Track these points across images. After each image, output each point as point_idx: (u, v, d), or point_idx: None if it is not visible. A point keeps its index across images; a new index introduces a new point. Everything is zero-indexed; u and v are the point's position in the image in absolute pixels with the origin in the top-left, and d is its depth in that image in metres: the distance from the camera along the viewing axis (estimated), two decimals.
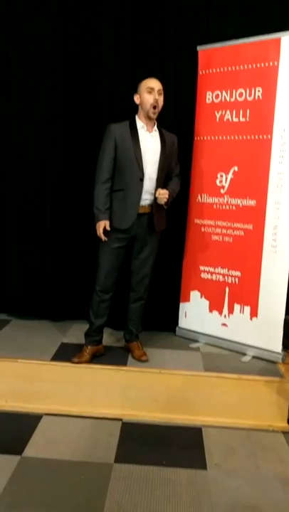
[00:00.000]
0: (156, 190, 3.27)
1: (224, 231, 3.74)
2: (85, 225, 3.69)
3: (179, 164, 3.52)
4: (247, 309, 3.66)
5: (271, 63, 3.44)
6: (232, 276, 3.73)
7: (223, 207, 3.73)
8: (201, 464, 2.38)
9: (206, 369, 3.43)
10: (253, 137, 3.57)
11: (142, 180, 3.21)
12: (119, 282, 3.50)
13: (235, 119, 3.64)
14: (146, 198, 3.28)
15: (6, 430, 2.57)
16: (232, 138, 3.66)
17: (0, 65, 4.00)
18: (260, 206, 3.56)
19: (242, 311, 3.69)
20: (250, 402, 2.98)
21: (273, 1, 3.73)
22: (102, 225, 3.21)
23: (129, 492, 2.15)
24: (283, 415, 2.80)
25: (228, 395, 3.04)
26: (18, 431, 2.56)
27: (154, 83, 3.22)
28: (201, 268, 3.88)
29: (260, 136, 3.53)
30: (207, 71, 3.74)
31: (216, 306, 3.83)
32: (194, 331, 3.95)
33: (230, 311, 3.74)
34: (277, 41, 3.41)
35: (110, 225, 3.23)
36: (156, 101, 3.19)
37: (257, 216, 3.58)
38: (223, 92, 3.68)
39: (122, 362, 3.48)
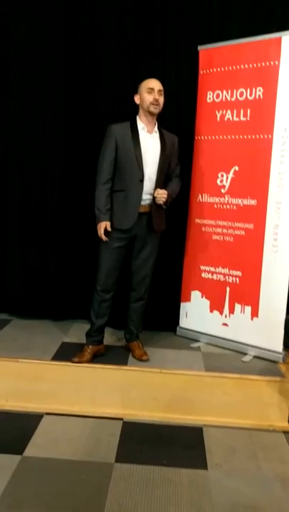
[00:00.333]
0: (155, 190, 3.28)
1: (225, 231, 3.74)
2: (85, 225, 3.69)
3: (179, 165, 3.52)
4: (248, 309, 3.65)
5: (272, 63, 3.44)
6: (233, 276, 3.73)
7: (224, 206, 3.73)
8: (202, 464, 2.37)
9: (206, 369, 3.43)
10: (253, 137, 3.56)
11: (141, 181, 3.22)
12: (121, 282, 3.50)
13: (236, 119, 3.64)
14: (146, 198, 3.29)
15: (6, 430, 2.57)
16: (233, 137, 3.66)
17: (1, 65, 3.99)
18: (261, 206, 3.55)
19: (243, 310, 3.69)
20: (251, 402, 2.98)
21: (274, 0, 3.73)
22: (103, 225, 3.22)
23: (129, 492, 2.15)
24: (284, 415, 2.80)
25: (229, 395, 3.04)
26: (19, 430, 2.56)
27: (154, 83, 3.22)
28: (202, 268, 3.88)
29: (261, 136, 3.53)
30: (208, 70, 3.74)
31: (216, 305, 3.82)
32: (195, 331, 3.95)
33: (231, 310, 3.74)
34: (278, 41, 3.40)
35: (111, 225, 3.24)
36: (156, 100, 3.20)
37: (258, 216, 3.58)
38: (224, 92, 3.68)
39: (123, 361, 3.48)
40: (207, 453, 2.46)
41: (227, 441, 2.57)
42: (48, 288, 4.19)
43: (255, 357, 3.65)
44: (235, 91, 3.62)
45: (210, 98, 3.75)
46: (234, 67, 3.62)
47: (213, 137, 3.75)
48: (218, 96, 3.71)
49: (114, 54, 3.87)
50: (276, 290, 3.53)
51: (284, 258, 3.49)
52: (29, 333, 3.92)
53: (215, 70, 3.71)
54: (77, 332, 3.92)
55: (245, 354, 3.68)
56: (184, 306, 4.00)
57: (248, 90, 3.56)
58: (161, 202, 3.28)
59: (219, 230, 3.76)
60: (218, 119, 3.73)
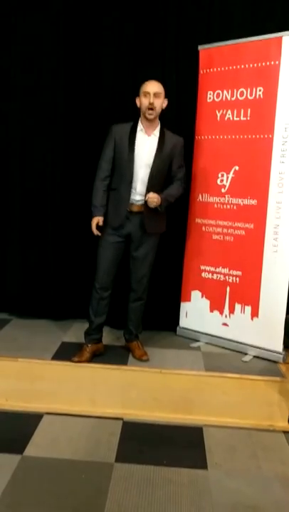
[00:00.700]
0: (149, 191, 3.25)
1: (225, 230, 3.73)
2: (85, 225, 3.67)
3: (183, 168, 3.44)
4: (248, 309, 3.65)
5: (272, 62, 3.44)
6: (233, 275, 3.72)
7: (224, 206, 3.73)
8: (202, 464, 2.37)
9: (206, 369, 3.43)
10: (254, 136, 3.56)
11: (131, 181, 3.27)
12: (120, 282, 3.50)
13: (236, 119, 3.64)
14: (139, 199, 3.31)
15: (6, 429, 2.57)
16: (233, 137, 3.66)
17: (3, 64, 3.98)
18: (261, 206, 3.55)
19: (243, 310, 3.68)
20: (251, 401, 2.98)
21: (274, 0, 3.72)
22: (95, 220, 3.32)
23: (129, 492, 2.14)
24: (284, 415, 2.80)
25: (229, 395, 3.04)
26: (19, 430, 2.56)
27: (149, 87, 3.20)
28: (202, 268, 3.88)
29: (262, 136, 3.52)
30: (208, 70, 3.74)
31: (216, 305, 3.82)
32: (195, 331, 3.94)
33: (231, 310, 3.74)
34: (279, 40, 3.40)
35: (105, 222, 3.33)
36: (152, 104, 3.18)
37: (258, 216, 3.57)
38: (224, 91, 3.67)
39: (123, 361, 3.47)
40: (207, 453, 2.46)
41: (227, 441, 2.57)
42: (48, 287, 4.19)
43: (255, 357, 3.64)
44: (235, 91, 3.62)
45: (210, 98, 3.75)
46: (234, 67, 3.61)
47: (214, 137, 3.75)
48: (218, 96, 3.71)
49: (114, 54, 3.87)
50: (276, 290, 3.53)
51: (284, 258, 3.49)
52: (29, 333, 3.92)
53: (215, 69, 3.70)
54: (77, 332, 3.92)
55: (246, 354, 3.67)
56: (184, 306, 4.00)
57: (249, 90, 3.56)
58: (152, 206, 3.24)
59: (219, 229, 3.76)
60: (218, 118, 3.72)
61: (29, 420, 2.66)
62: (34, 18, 3.88)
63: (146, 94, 3.20)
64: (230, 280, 3.74)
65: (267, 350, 3.61)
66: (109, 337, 3.88)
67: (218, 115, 3.72)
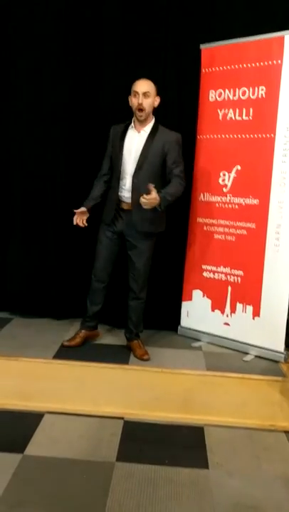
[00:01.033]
0: (136, 188, 3.28)
1: (227, 230, 3.73)
2: (88, 224, 3.68)
3: (180, 164, 3.38)
4: (249, 308, 3.65)
5: (275, 62, 3.43)
6: (234, 275, 3.72)
7: (226, 206, 3.72)
8: (203, 464, 2.37)
9: (208, 368, 3.42)
10: (256, 136, 3.55)
11: (119, 178, 3.36)
12: (121, 280, 3.50)
13: (238, 118, 3.63)
14: (129, 196, 3.36)
15: (7, 428, 2.57)
16: (235, 136, 3.65)
17: (4, 64, 3.98)
18: (263, 205, 3.55)
19: (244, 310, 3.68)
20: (252, 401, 2.97)
21: None
22: (79, 209, 3.43)
23: (130, 491, 2.14)
24: (286, 415, 2.80)
25: (230, 395, 3.04)
26: (20, 429, 2.56)
27: (139, 87, 3.24)
28: (204, 267, 3.87)
29: (264, 135, 3.52)
30: (210, 69, 3.73)
31: (218, 305, 3.82)
32: (196, 330, 3.94)
33: (233, 310, 3.73)
34: (281, 39, 3.39)
35: (101, 218, 3.48)
36: (141, 104, 3.22)
37: (260, 215, 3.57)
38: (226, 91, 3.67)
39: (124, 361, 3.47)
40: (208, 453, 2.46)
41: (228, 441, 2.57)
42: (50, 287, 4.19)
43: (256, 356, 3.64)
44: (237, 90, 3.61)
45: (212, 97, 3.74)
46: (237, 66, 3.60)
47: (216, 136, 3.74)
48: (220, 95, 3.70)
49: (115, 52, 3.85)
50: (278, 289, 3.52)
51: (286, 257, 3.48)
52: (30, 332, 3.92)
53: (217, 68, 3.70)
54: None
55: (247, 354, 3.67)
56: (185, 305, 4.00)
57: (251, 89, 3.55)
58: (146, 207, 3.16)
59: (221, 229, 3.75)
60: (220, 118, 3.72)
61: (30, 419, 2.66)
62: (37, 16, 3.87)
63: (136, 93, 3.24)
64: (231, 280, 3.73)
65: (268, 349, 3.60)
66: (110, 336, 3.89)
67: (220, 114, 3.71)
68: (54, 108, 3.95)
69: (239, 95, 3.61)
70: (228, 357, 3.64)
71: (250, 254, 3.62)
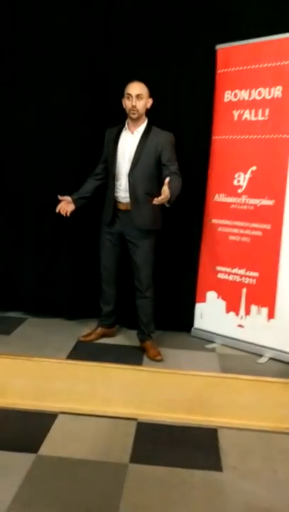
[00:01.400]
0: (132, 187, 3.37)
1: (242, 231, 3.70)
2: (99, 225, 3.69)
3: (175, 162, 3.42)
4: (264, 310, 3.62)
5: None
6: (249, 276, 3.69)
7: (241, 207, 3.70)
8: (217, 466, 2.36)
9: (222, 370, 3.41)
10: (271, 136, 3.53)
11: (114, 178, 3.45)
12: (131, 282, 3.53)
13: (253, 118, 3.61)
14: (124, 196, 3.44)
15: (21, 428, 2.58)
16: (250, 137, 3.63)
17: (19, 66, 4.01)
18: (279, 206, 3.52)
19: (259, 312, 3.65)
20: (266, 404, 2.94)
21: None
22: (64, 197, 3.57)
23: (144, 493, 2.14)
24: None
25: (244, 397, 3.01)
26: (34, 429, 2.57)
27: (132, 89, 3.33)
28: (218, 268, 3.85)
29: (279, 136, 3.49)
30: (225, 70, 3.71)
31: (232, 306, 3.80)
32: (210, 332, 3.92)
33: (247, 312, 3.71)
34: None
35: (101, 219, 3.59)
36: (134, 107, 3.32)
37: (275, 216, 3.54)
38: (242, 91, 3.65)
39: (138, 361, 3.47)
40: (222, 455, 2.45)
41: (242, 443, 2.55)
42: (63, 287, 4.20)
43: (271, 359, 3.61)
44: (253, 90, 3.59)
45: (227, 98, 3.72)
46: (252, 66, 3.58)
47: (231, 137, 3.72)
48: (235, 95, 3.68)
49: (128, 53, 3.84)
50: None
51: None
52: (44, 332, 3.93)
53: (233, 69, 3.68)
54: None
55: (261, 356, 3.64)
56: (199, 307, 3.98)
57: (267, 89, 3.53)
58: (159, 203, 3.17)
59: (236, 230, 3.73)
60: (235, 118, 3.70)
61: (44, 419, 2.67)
62: (50, 15, 3.89)
63: (129, 96, 3.34)
64: (246, 281, 3.71)
65: (283, 352, 3.57)
66: (123, 337, 3.89)
67: (236, 115, 3.69)
68: (65, 108, 3.96)
69: (255, 96, 3.59)
70: (243, 359, 3.62)
71: (266, 256, 3.59)
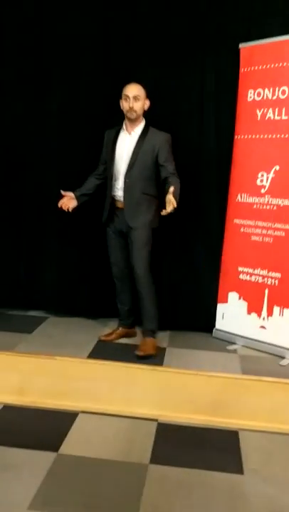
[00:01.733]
0: (128, 187, 3.45)
1: (264, 231, 3.66)
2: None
3: (172, 162, 3.47)
4: (287, 312, 3.57)
5: None
6: (272, 277, 3.65)
7: (264, 207, 3.66)
8: (238, 469, 2.33)
9: (243, 372, 3.38)
10: None
11: (112, 178, 3.54)
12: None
13: (277, 118, 3.57)
14: (121, 195, 3.53)
15: (42, 427, 2.60)
16: (274, 136, 3.59)
17: (41, 65, 4.03)
18: None
19: (281, 313, 3.61)
20: (288, 406, 2.91)
21: None
22: (66, 192, 3.64)
23: (164, 494, 2.12)
24: None
25: (265, 399, 2.97)
26: (55, 428, 2.58)
27: (129, 90, 3.42)
28: (240, 269, 3.82)
29: None
30: (249, 69, 3.68)
31: (254, 307, 3.76)
32: (232, 333, 3.88)
33: (270, 313, 3.67)
34: None
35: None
36: (131, 108, 3.40)
37: None
38: (266, 90, 3.61)
39: (158, 362, 3.45)
40: (243, 457, 2.42)
41: (264, 446, 2.52)
42: (84, 286, 4.21)
43: None
44: (277, 89, 3.55)
45: (250, 97, 3.69)
46: (276, 65, 3.54)
47: (254, 136, 3.68)
48: (259, 94, 3.64)
49: (152, 52, 3.84)
50: None
51: None
52: (65, 331, 3.95)
53: (256, 68, 3.64)
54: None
55: (283, 358, 3.60)
56: (221, 307, 3.95)
57: None
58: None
59: (258, 230, 3.69)
60: (258, 118, 3.66)
61: (64, 418, 2.68)
62: (74, 18, 3.91)
63: (126, 97, 3.42)
64: (269, 282, 3.67)
65: None
66: (141, 337, 3.87)
67: (259, 114, 3.66)
68: (89, 109, 3.97)
69: (278, 94, 3.55)
70: (264, 361, 3.58)
71: (288, 257, 3.54)
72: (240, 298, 3.83)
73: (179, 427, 2.66)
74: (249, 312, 3.78)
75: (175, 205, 3.18)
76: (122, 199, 3.53)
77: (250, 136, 3.71)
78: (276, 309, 3.63)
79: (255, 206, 3.71)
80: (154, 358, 3.47)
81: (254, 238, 3.72)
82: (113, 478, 2.21)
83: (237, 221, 3.81)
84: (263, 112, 3.63)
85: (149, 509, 2.02)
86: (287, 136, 3.52)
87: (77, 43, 3.94)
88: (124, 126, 3.55)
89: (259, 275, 3.71)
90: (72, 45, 3.96)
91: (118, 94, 3.88)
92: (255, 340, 3.75)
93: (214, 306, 3.98)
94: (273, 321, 3.66)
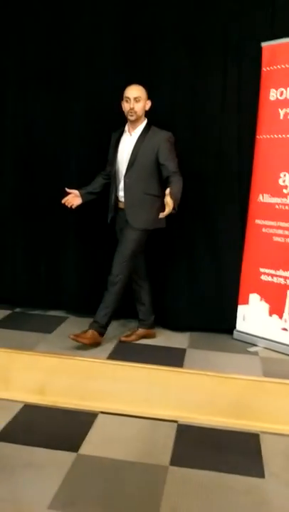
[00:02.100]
0: (128, 187, 3.47)
1: (286, 232, 3.61)
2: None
3: (173, 160, 3.44)
4: None
5: None
6: None
7: (286, 207, 3.61)
8: (259, 472, 2.31)
9: (265, 374, 3.33)
10: None
11: (115, 178, 3.59)
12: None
13: None
14: (122, 195, 3.55)
15: (62, 427, 2.60)
16: None
17: (64, 66, 4.05)
18: None
19: None
20: None
21: None
22: (71, 190, 3.69)
23: (184, 496, 2.11)
24: None
25: (287, 402, 2.93)
26: (75, 428, 2.59)
27: (130, 92, 3.44)
28: (261, 270, 3.77)
29: None
30: (271, 67, 3.64)
31: (276, 309, 3.71)
32: (253, 335, 3.84)
33: None
34: None
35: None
36: (132, 109, 3.43)
37: None
38: (288, 89, 3.56)
39: (178, 363, 3.43)
40: (264, 461, 2.39)
41: (285, 450, 2.49)
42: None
43: None
44: None
45: (273, 96, 3.64)
46: None
47: (276, 136, 3.64)
48: (281, 94, 3.60)
49: (174, 52, 3.82)
50: None
51: None
52: None
53: (279, 66, 3.60)
54: None
55: None
56: (242, 309, 3.91)
57: None
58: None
59: (280, 231, 3.64)
60: (281, 117, 3.61)
61: (84, 418, 2.68)
62: (95, 20, 3.92)
63: (127, 99, 3.45)
64: None
65: None
66: (164, 338, 3.87)
67: (281, 114, 3.61)
68: (112, 110, 3.96)
69: None
70: (286, 363, 3.54)
71: None
72: (261, 299, 3.79)
73: (199, 428, 2.64)
74: (270, 314, 3.74)
75: (171, 208, 3.20)
76: (122, 199, 3.56)
77: (272, 136, 3.66)
78: None
79: (277, 206, 3.66)
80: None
81: (276, 239, 3.68)
82: (133, 479, 2.21)
83: (258, 221, 3.77)
84: (286, 111, 3.58)
85: (169, 511, 2.01)
86: None
87: (99, 44, 3.94)
88: (126, 127, 3.58)
89: (281, 276, 3.66)
90: (94, 46, 3.96)
91: None
92: (277, 342, 3.71)
93: (235, 308, 3.94)
94: None
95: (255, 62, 3.69)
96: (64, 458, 2.33)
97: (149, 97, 3.61)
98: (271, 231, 3.70)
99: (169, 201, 3.20)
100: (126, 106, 3.47)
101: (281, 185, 3.62)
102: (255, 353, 3.69)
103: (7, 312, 4.33)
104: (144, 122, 3.56)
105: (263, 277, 3.77)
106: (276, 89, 3.62)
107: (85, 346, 3.57)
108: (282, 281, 3.66)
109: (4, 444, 2.43)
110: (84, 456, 2.36)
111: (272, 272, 3.71)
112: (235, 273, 3.90)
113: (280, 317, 3.68)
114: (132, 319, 4.04)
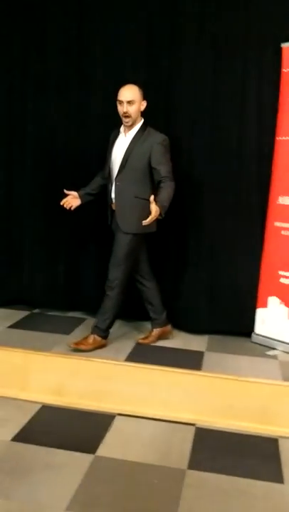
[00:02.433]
0: (118, 190, 3.43)
1: None
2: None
3: (166, 164, 3.38)
4: None
5: None
6: None
7: None
8: (278, 478, 2.28)
9: (283, 378, 3.30)
10: None
11: (110, 180, 3.52)
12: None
13: None
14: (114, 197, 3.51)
15: (80, 428, 2.61)
16: None
17: (82, 66, 4.07)
18: None
19: None
20: None
21: None
22: (70, 191, 3.61)
23: (202, 500, 2.09)
24: None
25: None
26: (92, 430, 2.59)
27: (122, 95, 3.35)
28: (281, 273, 3.74)
29: None
30: None
31: None
32: (272, 338, 3.80)
33: None
34: None
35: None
36: (126, 112, 3.34)
37: None
38: None
39: (196, 366, 3.42)
40: (283, 466, 2.37)
41: None
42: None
43: None
44: None
45: None
46: None
47: None
48: None
49: (194, 51, 3.81)
50: None
51: None
52: None
53: None
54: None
55: None
56: (261, 312, 3.88)
57: None
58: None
59: None
60: None
61: (102, 420, 2.68)
62: (116, 20, 3.93)
63: (121, 102, 3.37)
64: None
65: None
66: (181, 340, 3.85)
67: None
68: None
69: None
70: None
71: None
72: (280, 303, 3.75)
73: (217, 432, 2.63)
74: None
75: (154, 216, 3.17)
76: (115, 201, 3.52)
77: None
78: None
79: None
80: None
81: None
82: (150, 482, 2.20)
83: (278, 224, 3.74)
84: None
85: None
86: None
87: (119, 44, 3.94)
88: (122, 127, 3.50)
89: None
90: (113, 47, 3.96)
91: (160, 96, 3.90)
92: None
93: (253, 311, 3.90)
94: None
95: (276, 63, 3.66)
96: (82, 459, 2.33)
97: (169, 98, 3.61)
98: None
99: (153, 208, 3.17)
100: (120, 109, 3.38)
101: None
102: (274, 357, 3.65)
103: (25, 313, 4.35)
104: (140, 123, 3.47)
105: (282, 280, 3.73)
106: None
107: (103, 348, 3.58)
108: None
109: (23, 445, 2.44)
110: (101, 458, 2.35)
111: None
112: (254, 276, 3.87)
113: None
114: (148, 321, 4.04)
